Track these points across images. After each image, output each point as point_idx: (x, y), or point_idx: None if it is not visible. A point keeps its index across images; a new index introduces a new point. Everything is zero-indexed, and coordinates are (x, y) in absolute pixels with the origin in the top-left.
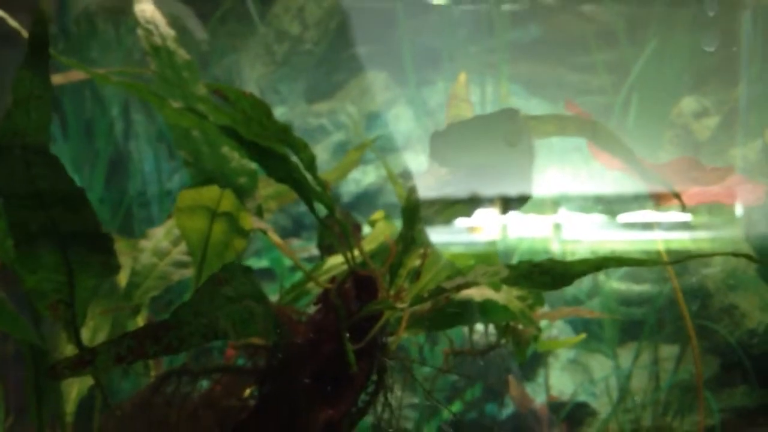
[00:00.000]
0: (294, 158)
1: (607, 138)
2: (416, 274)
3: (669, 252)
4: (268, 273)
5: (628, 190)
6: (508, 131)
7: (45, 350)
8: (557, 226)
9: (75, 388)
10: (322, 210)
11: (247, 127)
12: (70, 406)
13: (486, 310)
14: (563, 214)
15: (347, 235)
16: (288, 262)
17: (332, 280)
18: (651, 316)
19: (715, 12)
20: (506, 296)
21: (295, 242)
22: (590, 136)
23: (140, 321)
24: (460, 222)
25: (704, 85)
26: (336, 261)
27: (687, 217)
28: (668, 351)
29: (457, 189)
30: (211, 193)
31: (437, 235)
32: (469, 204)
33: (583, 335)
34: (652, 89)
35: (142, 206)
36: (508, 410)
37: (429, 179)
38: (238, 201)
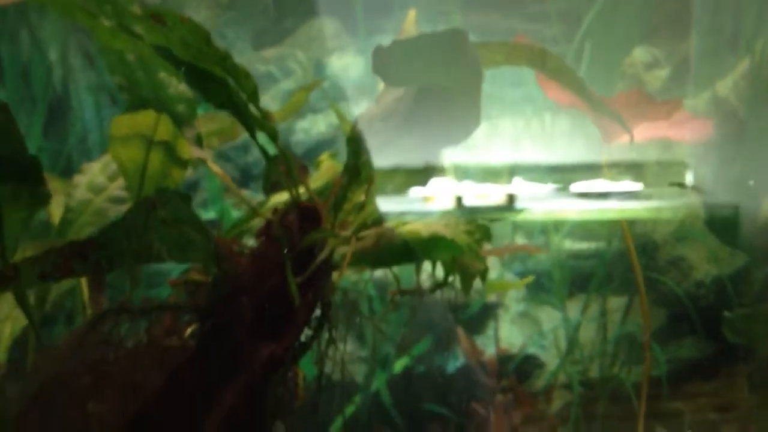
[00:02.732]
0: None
1: (558, 68)
2: (361, 208)
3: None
4: (215, 225)
5: (582, 159)
6: (454, 51)
7: None
8: (511, 196)
9: (8, 328)
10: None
11: (185, 49)
12: (2, 346)
13: (432, 245)
14: (517, 183)
15: (290, 167)
16: (235, 214)
17: (275, 211)
18: (600, 269)
19: None
20: (453, 231)
21: (245, 192)
22: (540, 66)
23: None
24: (415, 191)
25: (656, 35)
26: (280, 198)
27: (638, 186)
28: (616, 303)
29: (404, 118)
30: (146, 119)
31: (392, 205)
32: (424, 172)
33: (532, 277)
34: (604, 39)
35: (83, 154)
36: (458, 363)
37: (375, 109)
38: (175, 128)
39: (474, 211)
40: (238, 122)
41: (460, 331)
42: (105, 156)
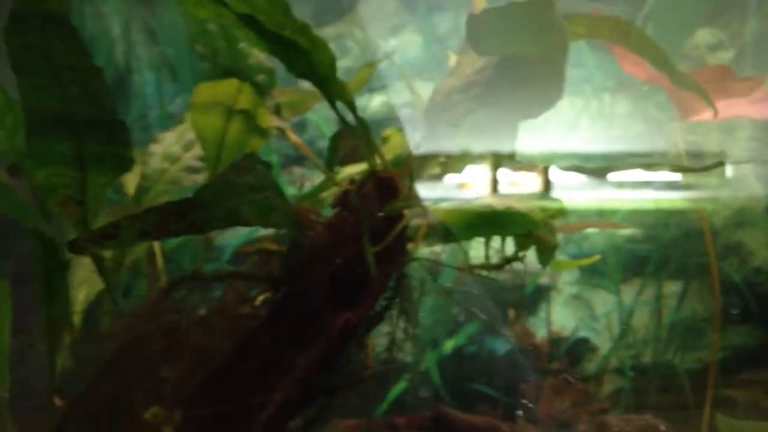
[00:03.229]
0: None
1: (641, 40)
2: None
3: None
4: None
5: (620, 149)
6: (542, 20)
7: (57, 243)
8: (547, 185)
9: (83, 293)
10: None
11: (270, 18)
12: (77, 311)
13: (507, 219)
14: (554, 171)
15: (369, 135)
16: (290, 191)
17: (351, 181)
18: (656, 253)
19: None
20: (528, 205)
21: (298, 171)
22: (623, 39)
23: None
24: (450, 178)
25: (720, 17)
26: (351, 171)
27: (677, 177)
28: (672, 288)
29: (485, 89)
30: (228, 87)
31: (427, 191)
32: (461, 159)
33: (598, 256)
34: (667, 20)
35: (143, 130)
36: (508, 345)
37: (452, 81)
38: (256, 96)
39: (510, 198)
40: (320, 91)
41: (511, 313)
42: (179, 126)
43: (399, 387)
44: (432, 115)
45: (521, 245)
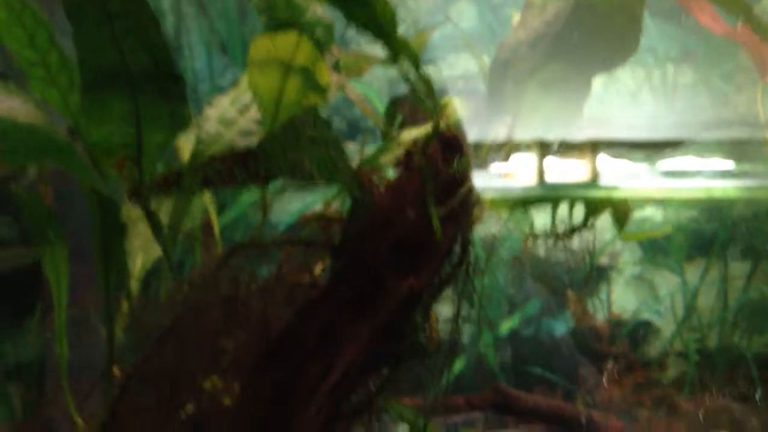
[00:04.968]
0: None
1: None
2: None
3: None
4: None
5: (670, 135)
6: None
7: (115, 204)
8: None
9: (140, 260)
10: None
11: None
12: (135, 277)
13: (579, 185)
14: (602, 159)
15: (432, 93)
16: None
17: (414, 142)
18: (722, 233)
19: None
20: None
21: (351, 146)
22: None
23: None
24: (495, 167)
25: None
26: (411, 134)
27: (729, 165)
28: (739, 268)
29: (555, 42)
30: (286, 41)
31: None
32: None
33: (669, 228)
34: None
35: (193, 103)
36: (567, 326)
37: (519, 34)
38: (315, 51)
39: (556, 187)
40: (382, 43)
41: (570, 294)
42: (234, 90)
43: (456, 367)
44: (497, 72)
45: (592, 212)
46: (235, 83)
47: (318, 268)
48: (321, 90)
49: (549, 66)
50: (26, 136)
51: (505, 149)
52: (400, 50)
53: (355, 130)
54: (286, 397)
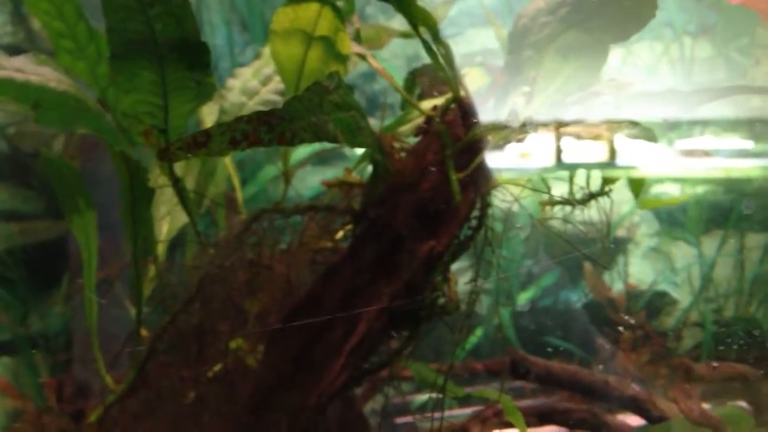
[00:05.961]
0: None
1: None
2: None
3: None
4: None
5: (687, 115)
6: None
7: (143, 169)
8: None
9: (165, 227)
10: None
11: None
12: (162, 243)
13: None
14: (619, 139)
15: (451, 61)
16: None
17: (434, 108)
18: (739, 205)
19: None
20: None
21: (370, 120)
22: None
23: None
24: (512, 147)
25: None
26: (430, 103)
27: (749, 144)
28: (756, 240)
29: (574, 9)
30: (308, 11)
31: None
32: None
33: (687, 196)
34: None
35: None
36: (584, 298)
37: (538, 3)
38: (337, 21)
39: (574, 167)
40: (401, 12)
41: (588, 266)
42: (256, 61)
43: (474, 336)
44: (516, 40)
45: (608, 180)
46: (256, 55)
47: (339, 233)
48: (342, 59)
49: (567, 33)
50: (59, 102)
51: (522, 129)
52: (419, 20)
53: (373, 106)
54: (309, 358)
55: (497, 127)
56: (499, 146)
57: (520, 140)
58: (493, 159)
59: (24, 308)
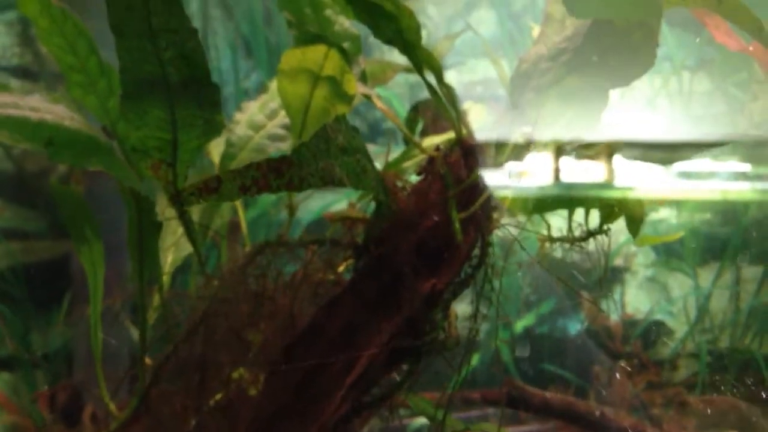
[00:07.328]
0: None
1: (735, 8)
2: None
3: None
4: None
5: (685, 137)
6: None
7: (151, 203)
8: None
9: (170, 256)
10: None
11: None
12: (166, 272)
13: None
14: (617, 160)
15: (455, 102)
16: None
17: (437, 149)
18: (735, 236)
19: None
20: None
21: (371, 147)
22: (715, 6)
23: None
24: (510, 166)
25: None
26: (432, 141)
27: (746, 167)
28: (751, 272)
29: (574, 57)
30: (315, 53)
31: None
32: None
33: (682, 233)
34: None
35: None
36: (581, 326)
37: (539, 49)
38: (343, 62)
39: (571, 187)
40: (406, 57)
41: (584, 295)
42: (263, 95)
43: (472, 363)
44: (518, 83)
45: (607, 217)
46: (263, 89)
47: (342, 267)
48: (348, 99)
49: (568, 79)
50: (72, 140)
51: (521, 149)
52: (424, 62)
53: (375, 132)
54: (310, 389)
55: (499, 153)
56: (498, 165)
57: (519, 159)
58: (491, 177)
59: (25, 325)
